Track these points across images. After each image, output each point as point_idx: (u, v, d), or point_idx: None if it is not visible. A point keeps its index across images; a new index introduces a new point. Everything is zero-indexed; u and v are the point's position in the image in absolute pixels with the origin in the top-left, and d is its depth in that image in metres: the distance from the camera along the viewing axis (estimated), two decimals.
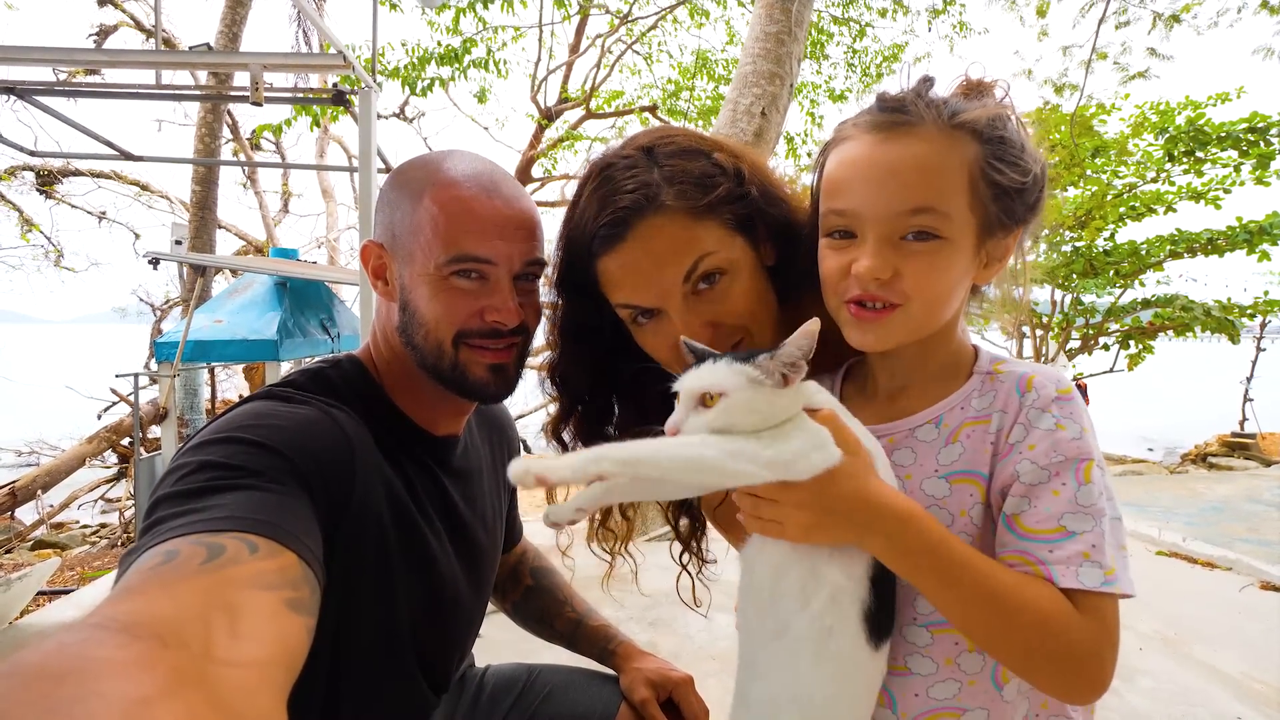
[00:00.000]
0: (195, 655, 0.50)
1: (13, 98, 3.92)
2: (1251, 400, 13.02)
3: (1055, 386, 0.78)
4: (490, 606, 1.25)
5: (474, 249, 0.92)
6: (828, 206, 0.82)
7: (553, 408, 1.12)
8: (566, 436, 1.10)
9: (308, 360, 5.06)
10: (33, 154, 5.39)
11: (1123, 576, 0.73)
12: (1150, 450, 14.21)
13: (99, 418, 8.85)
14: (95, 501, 8.78)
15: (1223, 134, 10.21)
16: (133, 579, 0.58)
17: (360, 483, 0.86)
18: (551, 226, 1.03)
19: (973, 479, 0.79)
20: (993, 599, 0.71)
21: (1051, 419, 0.76)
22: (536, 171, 11.36)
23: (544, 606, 1.41)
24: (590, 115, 11.05)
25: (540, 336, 1.09)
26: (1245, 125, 10.03)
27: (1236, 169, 10.51)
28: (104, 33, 9.94)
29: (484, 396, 1.01)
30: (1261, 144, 10.05)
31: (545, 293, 1.07)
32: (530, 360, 1.08)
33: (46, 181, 11.03)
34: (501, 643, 1.71)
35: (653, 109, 10.74)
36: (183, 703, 0.44)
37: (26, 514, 7.66)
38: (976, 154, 0.76)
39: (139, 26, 10.00)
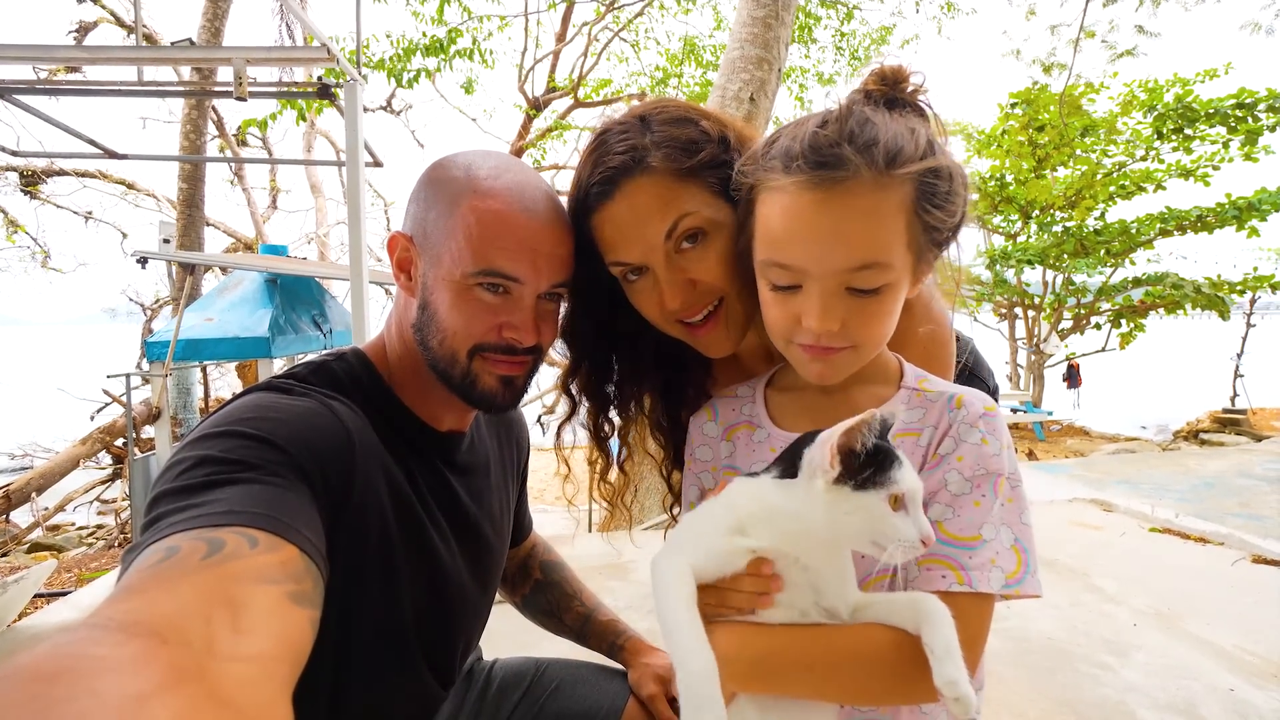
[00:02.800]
0: (196, 651, 0.49)
1: None
2: (1242, 376, 13.14)
3: (982, 404, 0.84)
4: (497, 598, 1.25)
5: (504, 266, 0.91)
6: (768, 257, 0.81)
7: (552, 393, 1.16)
8: (574, 389, 1.15)
9: (300, 357, 5.04)
10: (15, 154, 5.34)
11: (1027, 579, 0.78)
12: (1143, 428, 14.31)
13: (92, 419, 8.81)
14: (91, 503, 8.76)
15: (1211, 110, 10.24)
16: (132, 578, 0.58)
17: (361, 476, 0.86)
18: None
19: None
20: (856, 661, 0.76)
21: (979, 434, 0.82)
22: (525, 160, 11.30)
23: (553, 600, 1.41)
24: (578, 104, 10.98)
25: None
26: (1233, 101, 10.06)
27: (1225, 145, 10.56)
28: (84, 29, 9.80)
29: (490, 407, 1.00)
30: (1250, 120, 10.08)
31: None
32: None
33: (30, 182, 10.90)
34: (503, 634, 1.72)
35: (641, 97, 10.70)
36: (181, 698, 0.44)
37: (22, 517, 7.64)
38: (910, 196, 0.76)
39: (119, 22, 9.86)
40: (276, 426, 0.79)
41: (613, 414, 1.19)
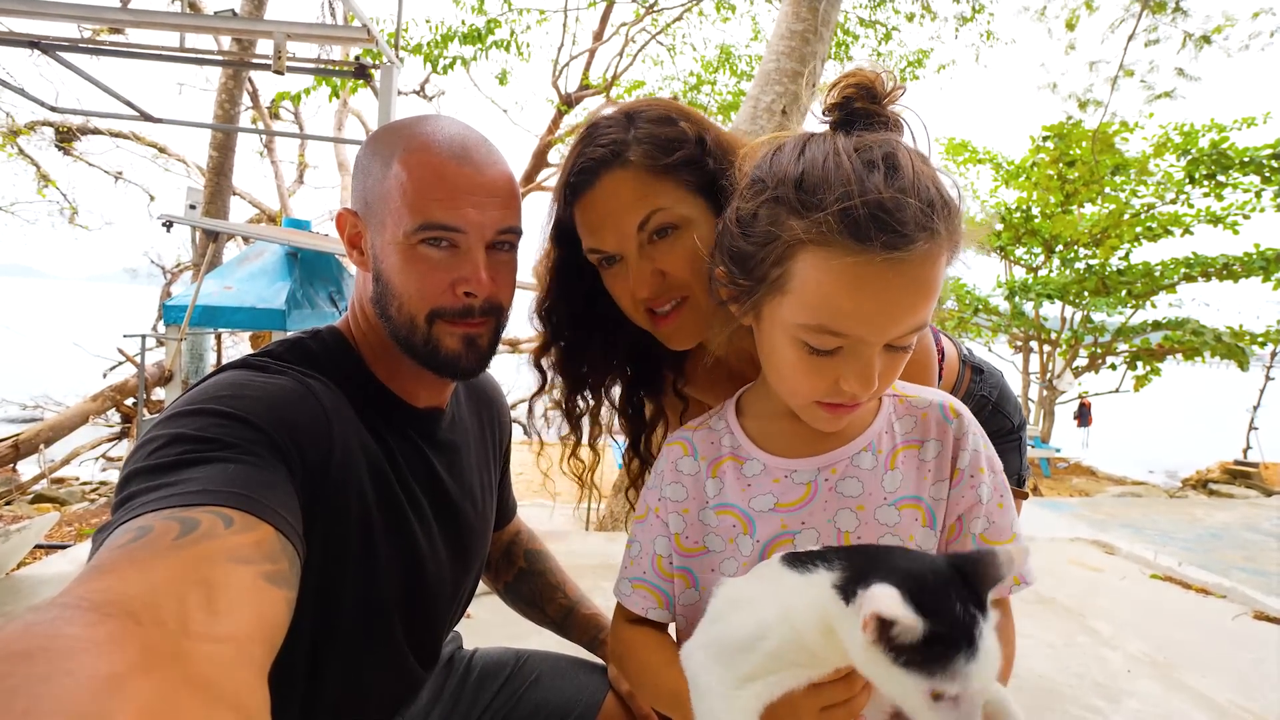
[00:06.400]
0: (170, 632, 0.49)
1: (36, 52, 3.92)
2: (1256, 429, 12.96)
3: (964, 407, 0.87)
4: (481, 588, 1.25)
5: (443, 217, 0.90)
6: (818, 323, 0.71)
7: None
8: (545, 365, 1.20)
9: None
10: (53, 109, 5.39)
11: (1028, 566, 0.82)
12: (1151, 472, 14.16)
13: (104, 376, 8.92)
14: (97, 459, 8.84)
15: (1246, 159, 10.11)
16: (104, 557, 0.57)
17: (338, 453, 0.86)
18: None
19: (915, 504, 0.83)
20: None
21: (980, 439, 0.85)
22: (553, 157, 11.33)
23: (536, 590, 1.41)
24: (610, 104, 10.99)
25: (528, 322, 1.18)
26: (1270, 151, 9.92)
27: (1258, 195, 10.42)
28: None
29: (456, 371, 0.98)
30: None
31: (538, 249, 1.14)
32: (525, 346, 1.10)
33: (65, 138, 11.06)
34: (490, 625, 1.72)
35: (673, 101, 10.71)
36: (155, 679, 0.43)
37: (28, 467, 7.72)
38: (951, 251, 0.73)
39: None
40: (252, 404, 0.78)
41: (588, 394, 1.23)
